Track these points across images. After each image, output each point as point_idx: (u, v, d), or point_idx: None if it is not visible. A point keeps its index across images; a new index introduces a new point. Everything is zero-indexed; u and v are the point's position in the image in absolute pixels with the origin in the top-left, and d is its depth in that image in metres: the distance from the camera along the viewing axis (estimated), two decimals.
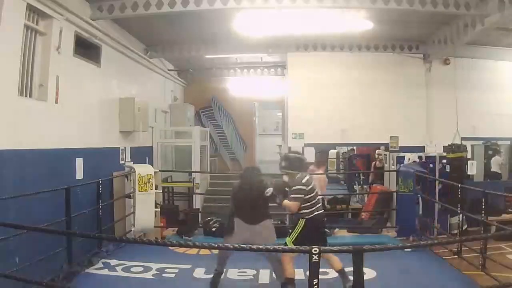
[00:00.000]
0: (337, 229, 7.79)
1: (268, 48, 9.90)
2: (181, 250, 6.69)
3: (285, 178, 5.09)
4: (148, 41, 9.57)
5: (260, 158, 14.44)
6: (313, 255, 3.21)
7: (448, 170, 8.07)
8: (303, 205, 4.80)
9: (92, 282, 5.41)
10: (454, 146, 8.34)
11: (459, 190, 6.45)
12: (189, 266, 5.96)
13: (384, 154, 9.44)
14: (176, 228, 7.98)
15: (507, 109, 9.77)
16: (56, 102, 5.83)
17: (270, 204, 5.10)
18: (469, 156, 8.81)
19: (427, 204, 7.82)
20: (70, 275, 5.43)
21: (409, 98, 9.83)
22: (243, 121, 13.94)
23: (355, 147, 10.85)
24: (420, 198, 7.65)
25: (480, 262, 5.73)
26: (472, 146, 9.62)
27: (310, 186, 4.83)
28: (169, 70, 11.65)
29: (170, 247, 6.56)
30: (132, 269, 5.83)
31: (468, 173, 8.15)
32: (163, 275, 5.68)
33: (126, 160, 8.25)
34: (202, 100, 13.59)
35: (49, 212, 5.31)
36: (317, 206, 4.91)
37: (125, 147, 8.24)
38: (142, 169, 7.27)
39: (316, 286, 3.23)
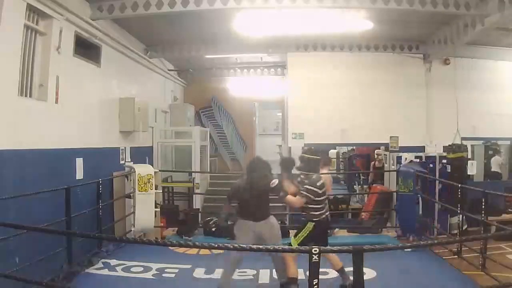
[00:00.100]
0: (337, 229, 7.79)
1: (268, 48, 9.89)
2: (181, 250, 6.70)
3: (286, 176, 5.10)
4: (148, 41, 9.57)
5: None
6: (313, 255, 3.21)
7: (449, 170, 8.07)
8: (313, 206, 4.82)
9: (92, 282, 5.42)
10: (454, 146, 8.34)
11: (459, 190, 6.46)
12: (189, 266, 5.97)
13: (384, 154, 9.45)
14: (176, 228, 7.99)
15: (507, 109, 9.76)
16: (56, 102, 5.82)
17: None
18: (469, 156, 8.81)
19: (427, 204, 7.82)
20: (70, 275, 5.44)
21: (409, 98, 9.82)
22: (243, 121, 13.93)
23: (355, 147, 10.85)
24: (420, 198, 7.64)
25: (480, 262, 5.74)
26: (472, 146, 9.61)
27: (323, 189, 4.88)
28: (169, 70, 11.64)
29: (170, 247, 6.57)
30: (132, 269, 5.84)
31: (468, 173, 8.15)
32: (163, 275, 5.69)
33: (126, 160, 8.25)
34: (202, 100, 13.59)
35: (49, 212, 5.31)
36: (326, 208, 4.95)
37: (125, 147, 8.24)
38: (142, 169, 7.27)
39: (316, 286, 3.24)
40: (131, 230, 7.30)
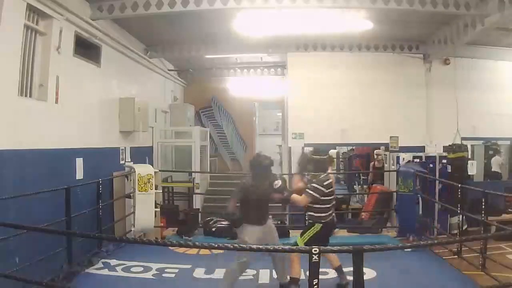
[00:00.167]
0: (337, 229, 7.78)
1: (268, 48, 9.89)
2: (181, 250, 6.70)
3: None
4: (148, 41, 9.57)
5: None
6: (313, 255, 3.21)
7: (450, 171, 8.07)
8: (319, 206, 4.81)
9: (92, 282, 5.42)
10: (455, 146, 8.34)
11: (459, 190, 6.45)
12: (189, 266, 5.97)
13: (384, 154, 9.45)
14: (176, 228, 7.99)
15: (507, 109, 9.76)
16: (56, 102, 5.82)
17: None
18: (469, 156, 8.81)
19: (427, 204, 7.82)
20: (70, 275, 5.44)
21: (409, 98, 9.81)
22: (243, 121, 13.93)
23: (354, 147, 10.85)
24: (420, 198, 7.64)
25: (480, 262, 5.74)
26: (472, 146, 9.61)
27: (330, 189, 4.86)
28: (169, 70, 11.64)
29: (170, 247, 6.57)
30: (132, 269, 5.84)
31: (469, 173, 8.15)
32: (163, 275, 5.69)
33: (126, 160, 8.24)
34: (202, 100, 13.59)
35: (49, 212, 5.31)
36: (333, 209, 4.96)
37: (125, 147, 8.24)
38: (142, 169, 7.28)
39: (316, 286, 3.23)
40: (131, 230, 7.30)
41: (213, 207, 10.60)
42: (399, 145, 9.37)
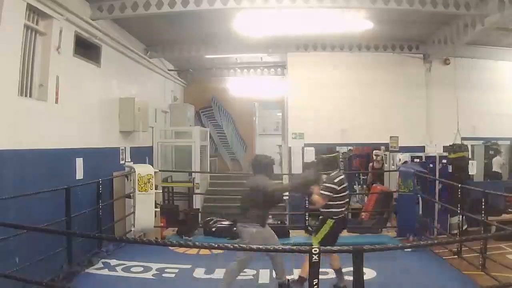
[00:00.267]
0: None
1: (268, 48, 9.89)
2: (181, 250, 6.70)
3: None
4: (148, 41, 9.57)
5: None
6: (313, 255, 3.21)
7: (450, 170, 8.06)
8: (333, 203, 4.90)
9: (92, 282, 5.42)
10: (455, 146, 8.34)
11: (459, 190, 6.45)
12: (189, 266, 5.97)
13: (384, 154, 9.44)
14: (176, 228, 7.99)
15: (507, 109, 9.75)
16: (56, 102, 5.82)
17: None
18: (469, 156, 8.81)
19: (427, 204, 7.82)
20: (70, 275, 5.44)
21: (409, 98, 9.81)
22: (243, 121, 13.93)
23: (352, 147, 10.85)
24: (420, 198, 7.65)
25: (480, 262, 5.74)
26: (472, 146, 9.61)
27: (342, 186, 4.96)
28: (169, 70, 11.64)
29: (170, 247, 6.58)
30: (132, 269, 5.85)
31: (469, 173, 8.15)
32: (163, 275, 5.69)
33: (126, 160, 8.24)
34: (202, 100, 13.59)
35: (49, 212, 5.31)
36: (346, 206, 5.06)
37: (125, 147, 8.24)
38: (142, 169, 7.28)
39: (316, 286, 3.24)
40: (131, 230, 7.30)
41: (213, 207, 10.62)
42: (399, 145, 9.37)
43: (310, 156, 9.19)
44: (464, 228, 7.11)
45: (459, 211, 6.64)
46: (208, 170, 11.92)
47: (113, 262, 6.11)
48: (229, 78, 12.88)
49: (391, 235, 7.74)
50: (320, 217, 5.05)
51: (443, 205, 7.48)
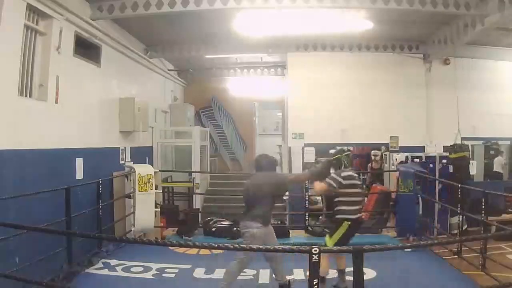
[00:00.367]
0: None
1: (268, 48, 9.89)
2: (181, 250, 6.70)
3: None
4: (148, 41, 9.57)
5: None
6: (313, 255, 3.21)
7: (451, 170, 8.06)
8: (342, 199, 4.93)
9: (92, 282, 5.42)
10: (456, 146, 8.33)
11: (459, 190, 6.45)
12: (189, 266, 5.97)
13: (384, 154, 9.44)
14: (176, 228, 7.98)
15: (507, 109, 9.76)
16: (56, 102, 5.82)
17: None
18: (469, 156, 8.81)
19: (427, 204, 7.82)
20: (70, 275, 5.44)
21: (409, 98, 9.82)
22: (243, 121, 13.94)
23: (351, 147, 10.82)
24: (420, 198, 7.64)
25: (480, 262, 5.73)
26: (472, 146, 9.61)
27: (349, 182, 4.97)
28: (169, 70, 11.64)
29: (170, 247, 6.57)
30: (132, 269, 5.84)
31: (470, 173, 8.16)
32: (163, 275, 5.69)
33: (126, 160, 8.25)
34: (202, 100, 13.59)
35: (49, 212, 5.31)
36: (360, 206, 5.05)
37: (125, 147, 8.24)
38: (142, 169, 7.27)
39: (316, 286, 3.23)
40: (131, 230, 7.30)
41: (213, 207, 10.62)
42: (399, 145, 9.37)
43: (310, 156, 9.20)
44: (464, 228, 7.10)
45: (459, 211, 6.64)
46: (208, 170, 11.92)
47: (113, 262, 6.11)
48: (229, 78, 12.89)
49: (391, 235, 7.74)
50: (337, 217, 4.97)
51: (443, 205, 7.48)
